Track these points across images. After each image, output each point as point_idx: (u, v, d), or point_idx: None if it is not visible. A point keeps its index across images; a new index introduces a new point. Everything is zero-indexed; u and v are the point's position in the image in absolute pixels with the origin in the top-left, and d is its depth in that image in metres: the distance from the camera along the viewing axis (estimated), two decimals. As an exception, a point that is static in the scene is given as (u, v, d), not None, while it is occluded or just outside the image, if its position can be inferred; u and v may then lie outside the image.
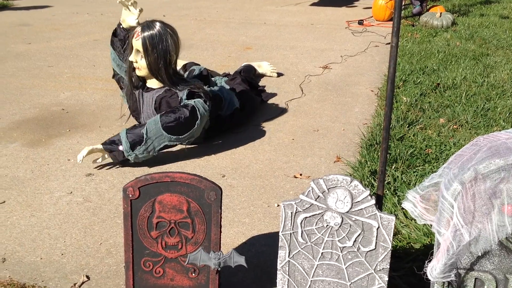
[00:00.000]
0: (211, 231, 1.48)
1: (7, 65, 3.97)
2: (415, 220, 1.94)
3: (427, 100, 3.27)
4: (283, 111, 3.14)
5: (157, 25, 2.42)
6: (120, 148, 2.35)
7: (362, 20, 5.51)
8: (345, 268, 1.40)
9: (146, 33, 2.39)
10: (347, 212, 1.35)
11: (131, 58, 2.47)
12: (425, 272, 1.28)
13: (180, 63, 3.59)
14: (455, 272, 1.27)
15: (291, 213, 1.38)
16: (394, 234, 1.91)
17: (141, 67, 2.47)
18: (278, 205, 2.13)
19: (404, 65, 3.90)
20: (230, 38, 4.88)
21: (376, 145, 2.61)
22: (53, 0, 6.74)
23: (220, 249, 1.49)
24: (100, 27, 5.27)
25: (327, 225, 1.37)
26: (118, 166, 2.43)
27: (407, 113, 3.04)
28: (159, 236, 1.49)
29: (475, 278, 1.29)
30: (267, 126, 2.93)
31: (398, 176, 2.31)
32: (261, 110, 3.13)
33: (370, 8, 6.25)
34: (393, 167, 2.41)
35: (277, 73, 3.75)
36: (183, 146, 2.58)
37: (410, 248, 1.83)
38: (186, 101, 2.46)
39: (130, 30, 2.55)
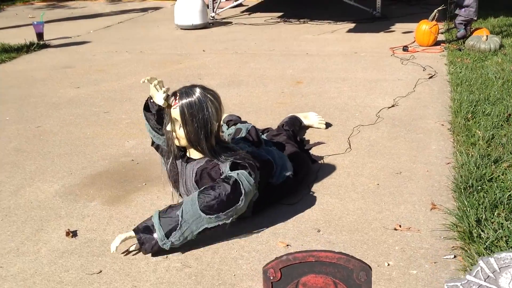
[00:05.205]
0: (363, 314, 1.37)
1: (63, 113, 3.92)
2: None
3: (502, 133, 3.15)
4: (358, 151, 3.04)
5: (197, 91, 2.19)
6: (155, 235, 2.09)
7: (406, 46, 5.42)
8: None
9: (184, 101, 2.17)
10: (524, 294, 1.24)
11: (169, 128, 2.25)
12: None
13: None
14: None
15: (458, 295, 1.28)
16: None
17: (180, 137, 2.25)
18: (389, 264, 2.02)
19: (467, 95, 3.79)
20: (277, 72, 4.82)
21: (469, 188, 2.50)
22: (89, 37, 6.76)
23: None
24: (144, 66, 5.24)
25: (500, 308, 1.26)
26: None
27: (487, 149, 2.93)
28: (305, 321, 1.39)
29: None
30: (346, 169, 2.83)
31: (503, 224, 2.19)
32: (333, 149, 3.04)
33: (410, 32, 6.17)
34: (495, 214, 2.29)
35: (326, 123, 3.44)
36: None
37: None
38: (229, 173, 2.20)
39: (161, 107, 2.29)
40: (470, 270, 1.90)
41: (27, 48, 6.09)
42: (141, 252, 2.15)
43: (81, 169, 2.96)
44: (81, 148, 3.25)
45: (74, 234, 2.31)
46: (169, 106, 2.23)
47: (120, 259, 2.12)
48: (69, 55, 5.89)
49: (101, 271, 2.05)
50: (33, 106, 4.10)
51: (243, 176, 2.18)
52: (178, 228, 2.09)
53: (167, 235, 2.09)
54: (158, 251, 2.13)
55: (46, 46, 6.31)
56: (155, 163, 2.98)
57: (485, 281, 1.26)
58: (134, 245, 2.16)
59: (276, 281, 1.39)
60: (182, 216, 2.10)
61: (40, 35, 6.46)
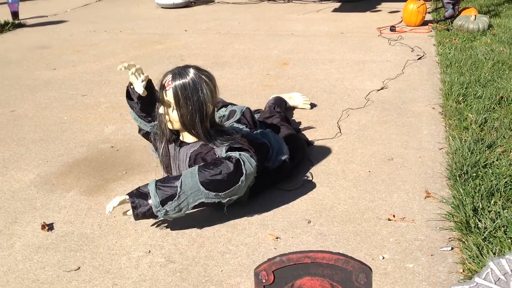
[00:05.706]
0: (363, 319, 1.27)
1: (38, 96, 3.74)
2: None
3: (495, 116, 3.06)
4: (347, 136, 2.93)
5: (191, 72, 2.07)
6: (150, 201, 2.01)
7: (394, 26, 5.30)
8: None
9: (177, 82, 2.05)
10: (538, 298, 1.14)
11: (161, 111, 2.14)
12: None
13: None
14: None
15: (466, 299, 1.18)
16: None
17: (173, 120, 2.13)
18: (384, 257, 1.92)
19: (457, 77, 3.69)
20: (262, 53, 4.67)
21: (464, 175, 2.41)
22: (66, 15, 6.52)
23: None
24: (123, 46, 5.05)
25: (512, 313, 1.16)
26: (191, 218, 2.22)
27: (480, 133, 2.84)
28: (300, 327, 1.28)
29: None
30: (336, 155, 2.72)
31: (500, 213, 2.11)
32: (322, 134, 2.93)
33: (397, 12, 6.07)
34: (492, 202, 2.21)
35: (311, 104, 3.37)
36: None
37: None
38: (230, 153, 2.11)
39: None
40: (469, 264, 1.82)
41: (1, 28, 5.87)
42: (133, 217, 2.05)
43: (57, 156, 2.81)
44: (57, 134, 3.09)
45: (50, 227, 2.17)
46: (163, 86, 2.10)
47: (99, 255, 1.99)
48: (45, 35, 5.67)
49: (79, 268, 1.92)
50: (7, 89, 3.91)
51: (245, 158, 2.09)
52: (175, 199, 2.01)
53: (163, 203, 2.01)
54: (150, 217, 2.04)
55: (21, 25, 6.08)
56: (136, 150, 2.85)
57: (495, 283, 1.16)
58: (130, 210, 2.05)
59: (269, 284, 1.28)
60: (181, 187, 2.01)
61: (15, 14, 6.23)
